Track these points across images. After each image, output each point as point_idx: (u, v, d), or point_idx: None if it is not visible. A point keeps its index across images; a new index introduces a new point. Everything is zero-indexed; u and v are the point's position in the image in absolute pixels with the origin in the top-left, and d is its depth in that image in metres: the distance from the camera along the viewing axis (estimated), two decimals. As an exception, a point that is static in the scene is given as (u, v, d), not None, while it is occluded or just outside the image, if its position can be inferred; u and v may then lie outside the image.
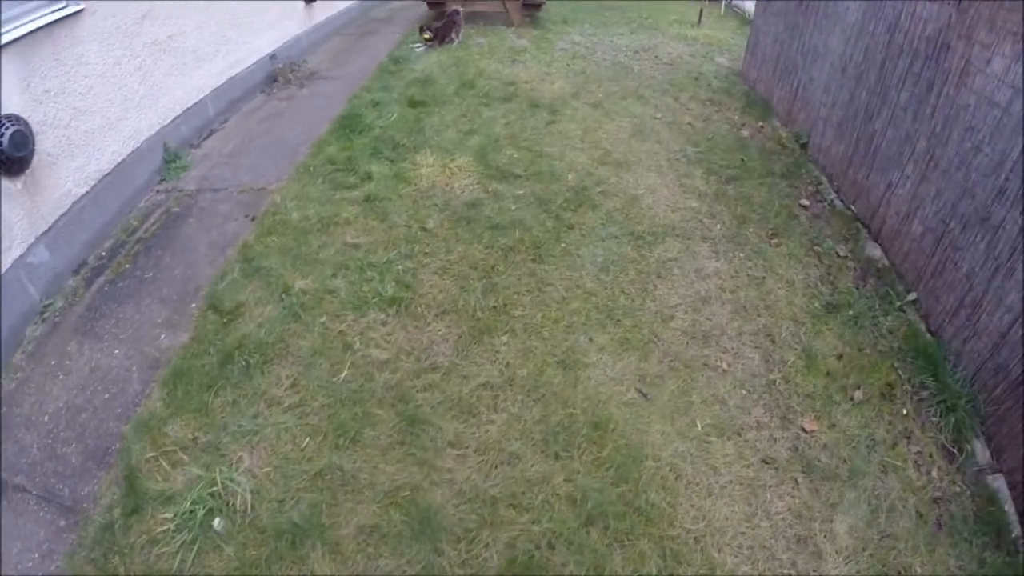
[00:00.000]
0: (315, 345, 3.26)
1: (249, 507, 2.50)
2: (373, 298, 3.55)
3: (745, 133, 5.37)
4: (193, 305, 3.55)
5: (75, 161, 3.87)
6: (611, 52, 7.89)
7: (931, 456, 2.93)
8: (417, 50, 7.58)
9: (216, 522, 2.45)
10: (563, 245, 3.98)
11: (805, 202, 4.52)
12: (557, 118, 5.47)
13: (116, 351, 3.24)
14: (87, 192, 3.98)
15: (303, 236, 4.06)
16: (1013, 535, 2.63)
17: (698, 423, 2.98)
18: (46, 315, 3.49)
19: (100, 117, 4.11)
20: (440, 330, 3.41)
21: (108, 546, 2.41)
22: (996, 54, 3.11)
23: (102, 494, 2.60)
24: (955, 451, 2.92)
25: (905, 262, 3.78)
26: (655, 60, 7.51)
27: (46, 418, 2.92)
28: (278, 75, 6.72)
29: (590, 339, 3.35)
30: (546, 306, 3.53)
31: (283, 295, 3.56)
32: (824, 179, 4.79)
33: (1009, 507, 2.71)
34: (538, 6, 9.12)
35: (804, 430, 2.99)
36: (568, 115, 5.52)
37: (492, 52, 7.49)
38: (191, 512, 2.45)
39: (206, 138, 5.48)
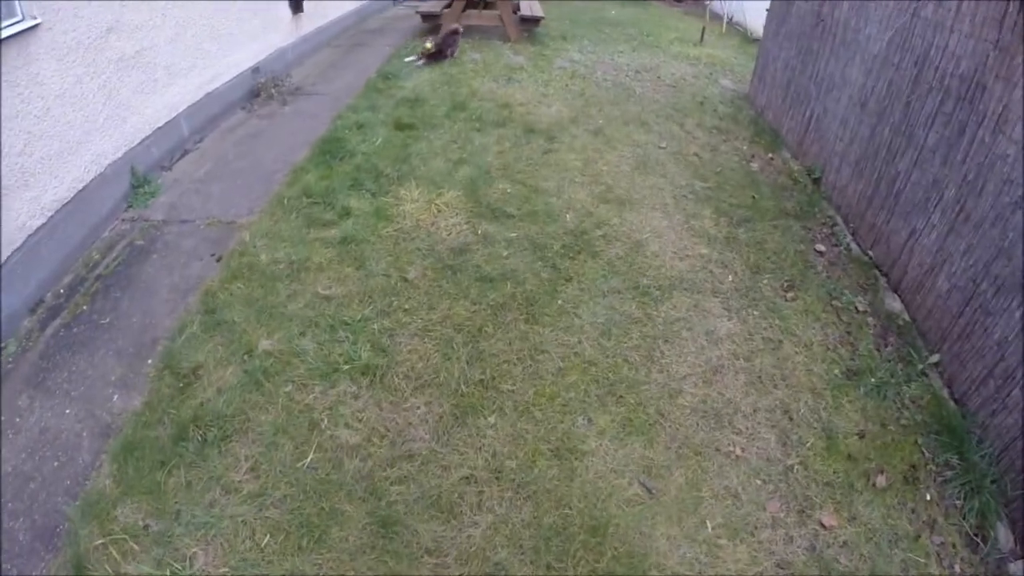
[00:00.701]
0: (278, 421, 2.88)
1: None
2: (345, 364, 3.16)
3: (755, 166, 4.98)
4: (149, 362, 3.19)
5: (30, 191, 3.53)
6: (612, 72, 7.51)
7: (954, 547, 2.63)
8: (415, 64, 7.20)
9: None
10: (559, 302, 3.57)
11: (821, 247, 4.14)
12: (555, 146, 5.06)
13: (67, 410, 2.96)
14: (43, 224, 3.64)
15: (271, 284, 3.67)
16: None
17: (708, 523, 2.60)
18: (-1, 360, 3.19)
19: (58, 141, 3.75)
20: (419, 408, 3.01)
21: None
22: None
23: None
24: (979, 540, 2.64)
25: (928, 319, 3.43)
26: (658, 81, 7.12)
27: (-4, 485, 2.64)
28: (260, 90, 6.35)
29: (589, 420, 2.95)
30: (540, 379, 3.13)
31: (246, 356, 3.18)
32: (839, 220, 4.41)
33: None
34: (536, 21, 8.72)
35: (823, 526, 2.64)
36: (567, 143, 5.12)
37: (487, 70, 7.10)
38: None
39: (179, 159, 5.10)
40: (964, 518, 2.70)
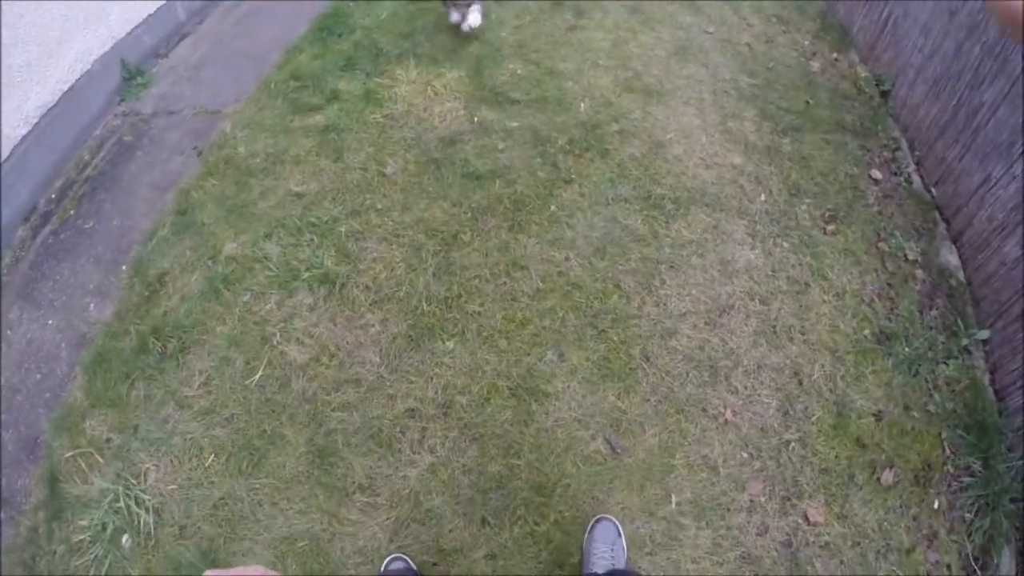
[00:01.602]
0: (233, 333, 2.72)
1: (152, 529, 2.26)
2: (306, 272, 2.87)
3: (815, 66, 4.13)
4: (124, 268, 3.13)
5: (9, 102, 3.40)
6: None
7: (948, 568, 2.20)
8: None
9: (125, 539, 2.27)
10: (552, 208, 3.04)
11: (876, 174, 3.41)
12: (582, 22, 4.32)
13: (50, 321, 3.01)
14: (29, 132, 3.54)
15: (245, 180, 3.38)
16: None
17: (673, 497, 2.22)
18: (-5, 273, 3.27)
19: (36, 46, 3.52)
20: (373, 326, 2.67)
21: (36, 549, 2.29)
22: None
23: (32, 490, 2.47)
24: (977, 566, 2.22)
25: (986, 287, 2.80)
26: None
27: (-13, 396, 2.75)
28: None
29: (560, 356, 2.53)
30: (512, 300, 2.69)
31: (210, 261, 3.01)
32: (904, 144, 3.63)
33: None
34: None
35: (807, 520, 2.22)
36: (597, 19, 4.37)
37: None
38: (103, 525, 2.26)
39: (176, 44, 4.73)
40: (970, 536, 2.26)
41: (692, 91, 3.75)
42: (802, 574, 2.11)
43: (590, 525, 2.11)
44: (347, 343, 2.63)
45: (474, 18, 4.03)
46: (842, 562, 2.16)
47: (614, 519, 2.11)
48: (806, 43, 4.39)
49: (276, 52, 4.37)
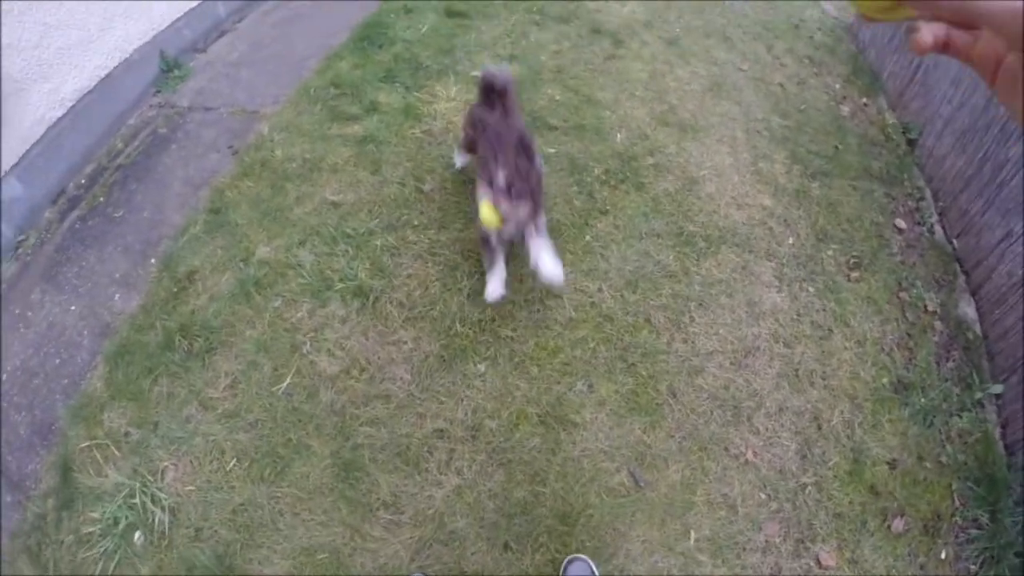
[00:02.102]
0: (262, 338, 2.72)
1: (167, 528, 2.25)
2: (339, 283, 2.89)
3: (845, 110, 4.19)
4: (152, 261, 3.13)
5: (48, 83, 3.45)
6: None
7: None
8: None
9: (137, 536, 2.26)
10: (587, 238, 3.08)
11: (901, 223, 3.46)
12: (620, 52, 4.38)
13: (73, 307, 2.99)
14: (64, 115, 3.56)
15: (281, 183, 3.39)
16: None
17: (692, 533, 2.26)
18: (20, 252, 3.29)
19: (77, 31, 3.57)
20: (406, 343, 2.69)
21: (42, 536, 2.29)
22: None
23: (42, 476, 2.45)
24: None
25: (1001, 342, 2.84)
26: None
27: (4, 376, 2.76)
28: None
29: (589, 387, 2.57)
30: (545, 328, 2.73)
31: (242, 263, 3.01)
32: (928, 195, 3.68)
33: None
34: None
35: (819, 563, 2.26)
36: (635, 50, 4.43)
37: None
38: (115, 520, 2.26)
39: (215, 40, 4.78)
40: None
41: (726, 129, 3.81)
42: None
43: (564, 564, 2.14)
44: (378, 358, 2.66)
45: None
46: None
47: (588, 559, 2.14)
48: (837, 87, 4.45)
49: (314, 58, 4.41)
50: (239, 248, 3.08)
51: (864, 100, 4.40)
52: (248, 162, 3.56)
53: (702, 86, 4.15)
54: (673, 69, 4.26)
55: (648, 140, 3.63)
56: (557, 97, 3.91)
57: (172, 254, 3.10)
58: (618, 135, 3.66)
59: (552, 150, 3.51)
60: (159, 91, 4.22)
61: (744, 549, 2.25)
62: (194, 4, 4.53)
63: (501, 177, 2.32)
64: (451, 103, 3.85)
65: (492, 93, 2.72)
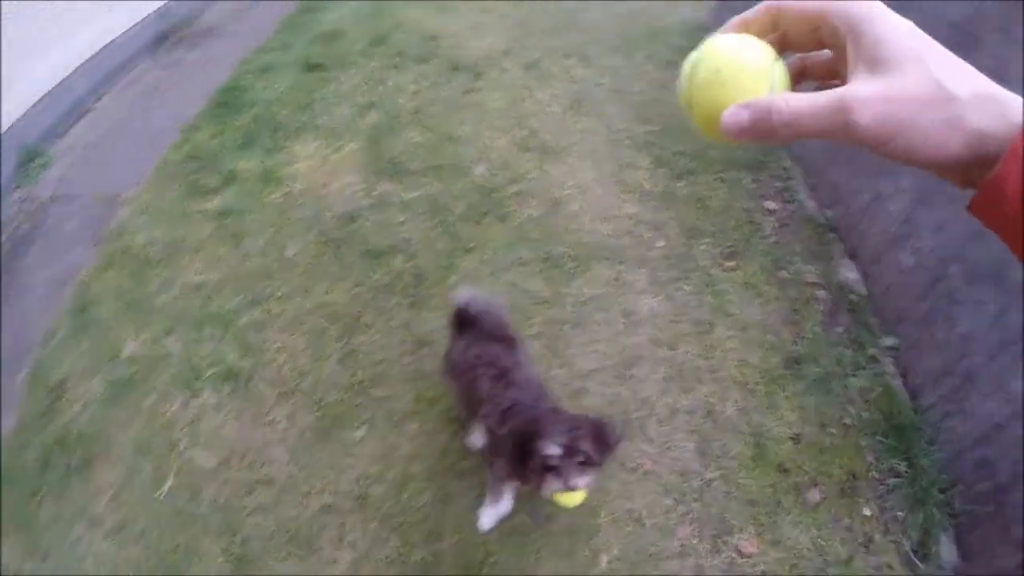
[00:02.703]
0: (140, 439, 2.59)
1: None
2: (209, 369, 2.76)
3: None
4: (23, 373, 2.92)
5: None
6: None
7: (890, 567, 2.26)
8: None
9: None
10: (453, 279, 3.03)
11: (771, 204, 3.54)
12: (479, 85, 4.40)
13: None
14: None
15: (143, 271, 3.26)
16: None
17: (603, 557, 2.20)
18: None
19: None
20: (280, 422, 2.58)
21: None
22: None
23: None
24: (919, 560, 2.27)
25: (886, 296, 2.93)
26: (608, 6, 6.15)
27: None
28: (169, 34, 5.62)
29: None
30: (420, 379, 2.65)
31: (110, 363, 2.85)
32: (797, 173, 3.80)
33: None
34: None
35: (740, 553, 2.23)
36: (493, 80, 4.45)
37: None
38: None
39: (75, 122, 4.58)
40: (905, 534, 2.32)
41: (587, 144, 3.84)
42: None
43: None
44: (255, 442, 2.53)
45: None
46: None
47: None
48: (697, 85, 4.56)
49: (173, 131, 4.27)
50: (107, 347, 2.93)
51: (724, 96, 4.51)
52: (110, 251, 3.40)
53: (562, 106, 4.18)
54: (533, 93, 4.29)
55: (509, 169, 3.62)
56: (416, 139, 3.88)
57: (41, 363, 2.93)
58: (478, 169, 3.64)
59: (413, 194, 3.47)
60: (19, 185, 3.99)
61: (660, 559, 2.20)
62: (51, 87, 4.36)
63: (553, 446, 1.62)
64: (310, 161, 3.78)
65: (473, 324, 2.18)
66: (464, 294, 2.23)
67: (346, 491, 2.36)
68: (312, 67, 4.82)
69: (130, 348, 2.91)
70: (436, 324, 2.82)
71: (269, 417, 2.60)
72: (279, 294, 3.02)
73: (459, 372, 2.15)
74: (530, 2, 5.89)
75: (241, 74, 4.82)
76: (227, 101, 4.46)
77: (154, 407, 2.68)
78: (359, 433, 2.50)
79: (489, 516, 2.23)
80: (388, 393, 2.61)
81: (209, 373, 2.75)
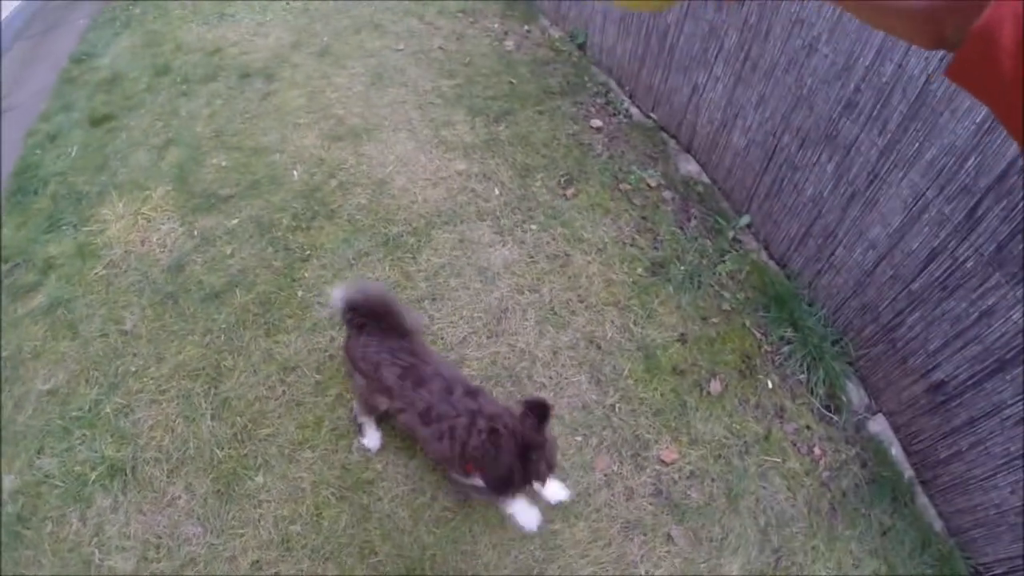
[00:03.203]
0: (54, 570, 2.40)
1: None
2: (92, 472, 2.59)
3: (509, 44, 4.29)
4: None
5: None
6: None
7: (808, 428, 2.46)
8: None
9: None
10: (300, 294, 2.96)
11: (597, 122, 3.61)
12: (274, 87, 4.21)
13: None
14: None
15: None
16: (907, 478, 2.32)
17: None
18: None
19: None
20: (180, 497, 2.48)
21: None
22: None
23: None
24: (831, 412, 2.50)
25: (729, 180, 3.09)
26: None
27: None
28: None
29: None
30: (299, 406, 2.60)
31: None
32: (613, 85, 3.89)
33: (896, 449, 2.41)
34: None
35: (663, 463, 2.37)
36: (288, 78, 4.27)
37: (196, 11, 5.83)
38: None
39: None
40: (812, 393, 2.52)
41: (398, 115, 3.77)
42: (684, 510, 2.26)
43: None
44: (165, 527, 2.42)
45: None
46: (714, 479, 2.34)
47: None
48: (496, 26, 4.54)
49: (-25, 236, 3.88)
50: (-17, 491, 2.70)
51: (526, 28, 4.52)
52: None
53: (364, 83, 4.08)
54: (331, 80, 4.16)
55: (325, 163, 3.53)
56: (224, 163, 3.70)
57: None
58: (295, 173, 3.52)
59: (235, 221, 3.33)
60: None
61: (589, 495, 2.29)
62: None
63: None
64: (121, 221, 3.54)
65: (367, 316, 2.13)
66: (338, 293, 2.16)
67: (268, 540, 2.32)
68: (99, 120, 4.47)
69: (8, 484, 2.68)
70: (297, 345, 2.77)
71: (168, 497, 2.49)
72: (133, 370, 2.86)
73: (362, 369, 2.14)
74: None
75: (29, 150, 4.41)
76: (22, 185, 4.08)
77: (55, 533, 2.50)
78: (259, 479, 2.45)
79: (523, 513, 2.21)
80: (272, 430, 2.55)
81: (94, 477, 2.59)
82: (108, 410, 2.76)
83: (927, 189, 2.11)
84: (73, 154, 4.22)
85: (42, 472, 2.66)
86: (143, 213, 3.53)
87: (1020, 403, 1.90)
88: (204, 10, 5.85)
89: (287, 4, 5.47)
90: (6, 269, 3.56)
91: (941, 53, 1.97)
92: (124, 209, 3.61)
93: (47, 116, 4.81)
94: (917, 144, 2.12)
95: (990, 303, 1.95)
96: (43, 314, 3.22)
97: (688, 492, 2.30)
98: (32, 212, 3.86)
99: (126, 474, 2.57)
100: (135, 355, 2.92)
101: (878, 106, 2.23)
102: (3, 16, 6.46)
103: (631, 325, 2.72)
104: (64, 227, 3.66)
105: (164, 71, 4.82)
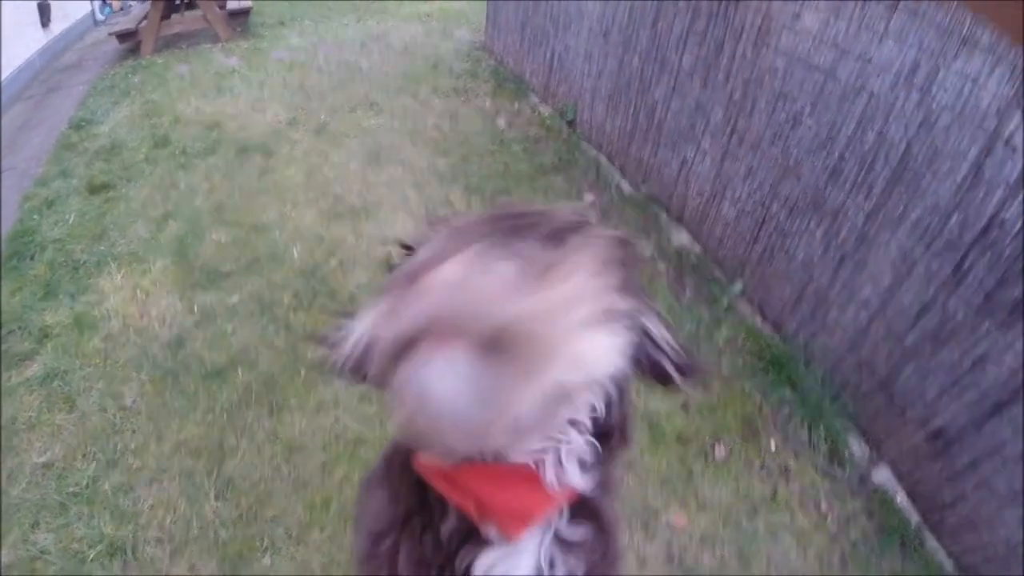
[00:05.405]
0: None
1: None
2: (90, 551, 2.54)
3: (501, 123, 4.50)
4: None
5: None
6: (335, 51, 6.69)
7: (814, 485, 2.56)
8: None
9: None
10: (303, 373, 3.02)
11: (590, 197, 3.80)
12: (272, 163, 4.35)
13: None
14: None
15: None
16: (914, 524, 2.39)
17: None
18: None
19: None
20: (184, 578, 2.46)
21: None
22: (805, 8, 2.56)
23: None
24: (835, 466, 2.60)
25: (721, 248, 3.26)
26: (386, 50, 6.36)
27: None
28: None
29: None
30: (305, 486, 2.64)
31: None
32: (603, 160, 4.09)
33: (901, 497, 2.48)
34: (246, 13, 7.71)
35: (674, 529, 2.43)
36: (286, 154, 4.42)
37: (194, 83, 6.07)
38: None
39: None
40: (815, 450, 2.61)
41: (395, 194, 3.92)
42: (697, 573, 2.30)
43: None
44: None
45: None
46: (724, 542, 2.38)
47: None
48: (487, 104, 4.76)
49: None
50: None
51: (516, 105, 4.74)
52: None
53: (360, 161, 4.24)
54: (328, 157, 4.31)
55: (325, 242, 3.64)
56: (224, 240, 3.79)
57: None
58: (294, 252, 3.62)
59: (235, 298, 3.40)
60: None
61: None
62: None
63: None
64: (120, 293, 3.59)
65: None
66: None
67: (277, 625, 2.32)
68: (97, 188, 4.56)
69: (1, 559, 2.62)
70: (301, 425, 2.82)
71: (171, 578, 2.49)
72: (133, 447, 2.87)
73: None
74: (305, 67, 5.86)
75: (26, 215, 4.46)
76: (18, 251, 4.11)
77: None
78: (266, 561, 2.45)
79: None
80: (279, 511, 2.57)
81: (92, 555, 2.54)
82: (107, 487, 2.75)
83: (914, 247, 2.24)
84: (71, 221, 4.28)
85: (37, 548, 2.60)
86: (142, 286, 3.59)
87: (1020, 441, 1.97)
88: (202, 82, 6.04)
89: (284, 80, 5.68)
90: (3, 333, 3.58)
91: (920, 118, 2.16)
92: (123, 281, 3.66)
93: (44, 181, 4.88)
94: (902, 206, 2.27)
95: (982, 350, 2.05)
96: (39, 384, 3.23)
97: (700, 557, 2.35)
98: (28, 278, 3.88)
99: (126, 553, 2.53)
100: (134, 432, 2.93)
101: (862, 172, 2.39)
102: (3, 77, 6.57)
103: (634, 396, 2.80)
104: (61, 296, 3.69)
105: (163, 143, 4.94)
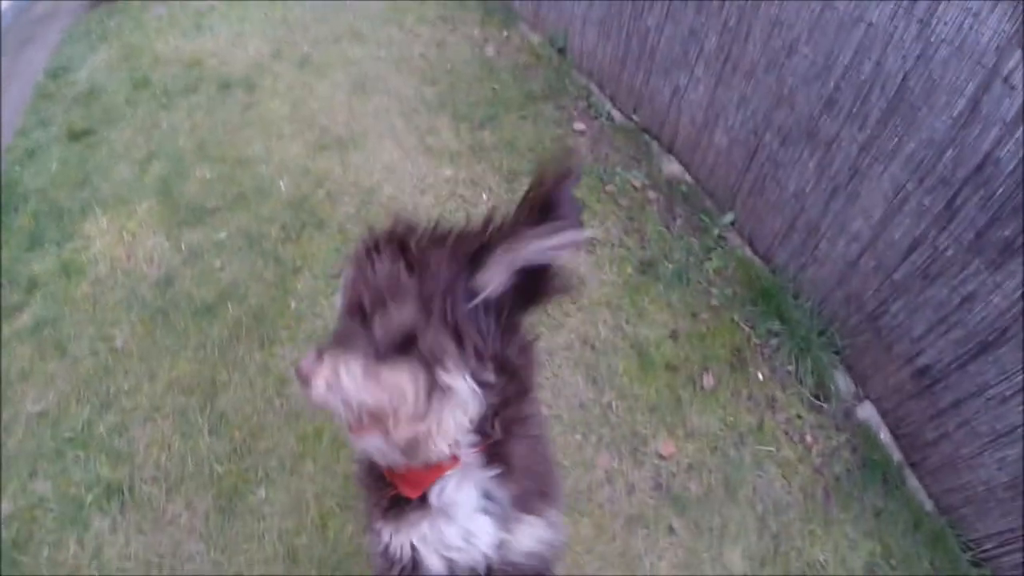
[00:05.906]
0: None
1: None
2: (88, 494, 2.55)
3: (490, 51, 4.31)
4: None
5: None
6: None
7: (799, 417, 2.53)
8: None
9: None
10: (293, 306, 2.96)
11: (580, 125, 3.65)
12: (255, 97, 4.19)
13: None
14: None
15: None
16: (896, 461, 2.39)
17: None
18: None
19: None
20: (181, 515, 2.45)
21: None
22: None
23: None
24: (821, 400, 2.57)
25: (712, 178, 3.14)
26: None
27: None
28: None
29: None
30: (297, 418, 2.60)
31: None
32: (594, 88, 3.92)
33: (884, 434, 2.47)
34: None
35: (661, 457, 2.42)
36: (269, 87, 4.25)
37: (173, 23, 5.77)
38: None
39: None
40: (801, 383, 2.58)
41: (382, 123, 3.78)
42: (684, 503, 2.31)
43: None
44: (166, 547, 2.39)
45: None
46: (711, 470, 2.39)
47: None
48: (475, 32, 4.55)
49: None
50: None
51: (505, 33, 4.54)
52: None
53: (346, 92, 4.08)
54: (312, 89, 4.15)
55: (311, 173, 3.53)
56: (209, 176, 3.67)
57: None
58: (281, 184, 3.52)
59: (223, 234, 3.32)
60: None
61: (592, 491, 2.33)
62: None
63: None
64: (106, 237, 3.50)
65: None
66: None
67: (273, 554, 2.30)
68: (78, 135, 4.42)
69: (3, 509, 2.63)
70: (292, 357, 2.77)
71: (168, 516, 2.46)
72: (126, 388, 2.84)
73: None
74: (284, 2, 5.61)
75: (8, 167, 4.35)
76: (1, 203, 4.03)
77: (53, 558, 2.45)
78: (261, 493, 2.44)
79: None
80: (272, 444, 2.55)
81: (90, 498, 2.55)
82: (101, 430, 2.73)
83: (907, 182, 2.17)
84: (53, 170, 4.16)
85: (36, 496, 2.61)
86: (128, 229, 3.50)
87: (1003, 382, 1.96)
88: (181, 22, 5.79)
89: (265, 15, 5.45)
90: (-10, 289, 3.52)
91: (918, 50, 2.03)
92: (108, 225, 3.57)
93: (25, 131, 4.75)
94: (896, 139, 2.18)
95: (971, 289, 2.01)
96: (30, 334, 3.18)
97: (687, 484, 2.35)
98: (13, 230, 3.80)
99: (123, 494, 2.54)
100: (127, 372, 2.89)
101: (858, 103, 2.28)
102: (-27, 32, 6.37)
103: (623, 324, 2.76)
104: (47, 245, 3.61)
105: (143, 84, 4.77)
